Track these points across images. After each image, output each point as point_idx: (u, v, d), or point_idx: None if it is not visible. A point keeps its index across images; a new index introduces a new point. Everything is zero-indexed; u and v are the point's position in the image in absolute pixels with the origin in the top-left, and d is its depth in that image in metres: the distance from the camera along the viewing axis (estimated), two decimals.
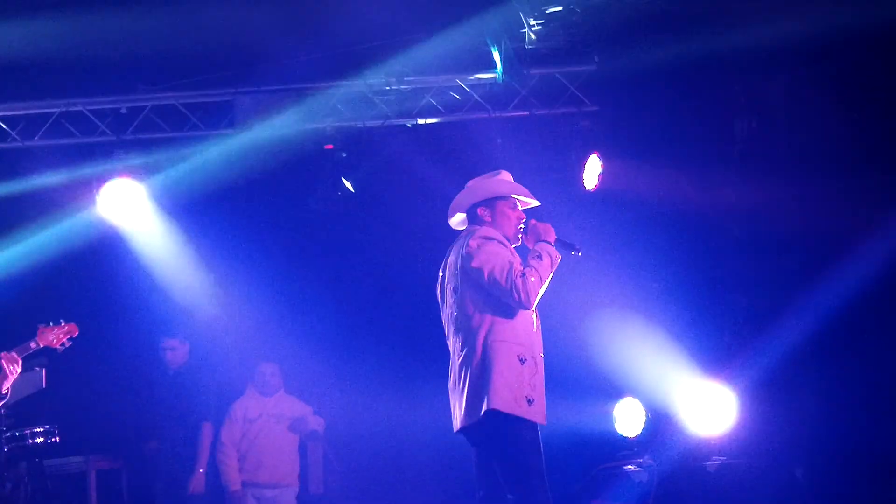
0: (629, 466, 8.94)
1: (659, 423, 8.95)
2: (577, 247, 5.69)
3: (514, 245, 5.74)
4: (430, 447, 8.94)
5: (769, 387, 8.83)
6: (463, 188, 5.93)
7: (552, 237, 5.64)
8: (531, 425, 5.51)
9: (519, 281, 5.39)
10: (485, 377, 5.46)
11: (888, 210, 8.08)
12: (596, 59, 8.60)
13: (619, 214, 8.93)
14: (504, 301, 5.47)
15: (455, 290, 5.64)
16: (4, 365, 6.29)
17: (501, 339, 5.49)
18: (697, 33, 8.07)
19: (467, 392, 5.52)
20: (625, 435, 9.15)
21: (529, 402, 5.46)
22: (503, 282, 5.41)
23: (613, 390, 9.00)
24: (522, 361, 5.49)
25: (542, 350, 5.67)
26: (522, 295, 5.40)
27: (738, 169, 8.68)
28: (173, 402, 8.90)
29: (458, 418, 5.63)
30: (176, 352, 9.02)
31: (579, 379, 8.66)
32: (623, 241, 9.10)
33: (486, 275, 5.45)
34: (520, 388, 5.45)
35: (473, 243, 5.53)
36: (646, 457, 8.93)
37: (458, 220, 5.90)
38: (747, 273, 9.01)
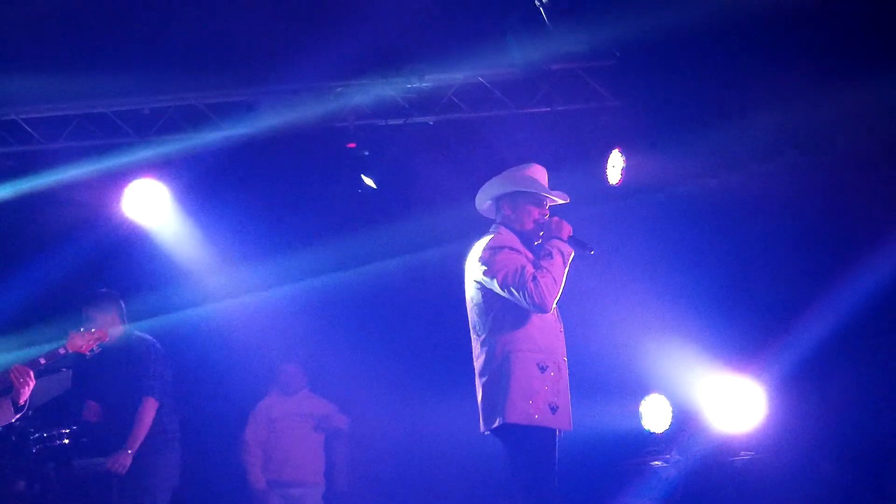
0: (656, 462, 8.91)
1: (686, 419, 8.91)
2: (591, 245, 5.62)
3: (535, 242, 5.68)
4: (456, 446, 8.91)
5: (797, 381, 8.76)
6: (487, 182, 5.89)
7: (565, 233, 5.57)
8: (549, 433, 5.47)
9: (531, 285, 5.33)
10: (501, 388, 5.42)
11: None
12: (617, 53, 8.54)
13: (644, 209, 8.88)
14: (521, 307, 5.43)
15: (472, 299, 5.62)
16: (14, 379, 6.19)
17: (518, 348, 5.44)
18: (718, 25, 8.03)
19: (482, 400, 5.52)
20: (652, 431, 9.12)
21: (553, 409, 5.43)
22: (516, 288, 5.36)
23: (640, 387, 8.96)
24: (543, 369, 5.44)
25: (564, 353, 5.61)
26: (537, 298, 5.34)
27: (764, 161, 8.62)
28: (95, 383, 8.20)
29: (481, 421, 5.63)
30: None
31: (606, 375, 8.64)
32: (648, 236, 9.06)
33: (499, 282, 5.41)
34: (542, 397, 5.40)
35: (485, 254, 5.49)
36: (673, 452, 8.90)
37: (485, 207, 5.86)
38: (775, 267, 8.95)
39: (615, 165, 8.65)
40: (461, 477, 9.46)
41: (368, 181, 9.07)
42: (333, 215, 9.47)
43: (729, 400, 8.67)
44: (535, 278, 5.34)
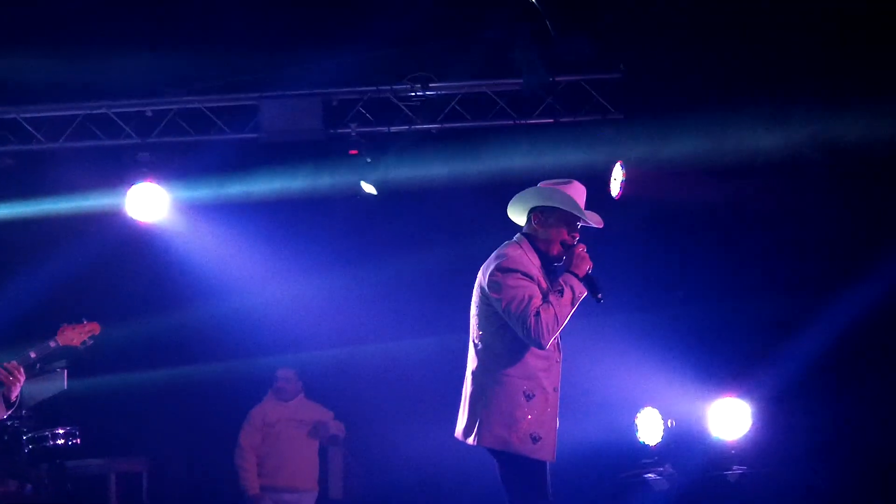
0: (650, 475, 8.94)
1: (680, 432, 8.94)
2: (601, 294, 5.37)
3: (554, 263, 5.49)
4: (453, 455, 8.91)
5: (791, 396, 8.82)
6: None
7: (583, 270, 5.35)
8: (532, 462, 5.34)
9: (532, 319, 5.17)
10: (483, 408, 5.33)
11: None
12: (622, 67, 8.58)
13: (643, 223, 8.91)
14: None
15: (476, 307, 5.49)
16: (3, 376, 6.08)
17: (508, 372, 5.30)
18: (723, 43, 8.08)
19: (465, 409, 5.42)
20: (646, 443, 9.16)
21: (535, 439, 5.29)
22: (518, 318, 5.21)
23: (636, 399, 8.99)
24: (529, 398, 5.30)
25: (557, 384, 5.44)
26: (533, 333, 5.19)
27: (764, 177, 8.68)
28: None
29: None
30: None
31: (602, 387, 8.67)
32: (647, 250, 9.11)
33: (503, 306, 5.27)
34: (523, 427, 5.28)
35: (498, 274, 5.32)
36: (667, 465, 8.93)
37: (515, 214, 5.63)
38: (771, 280, 9.01)
39: (616, 178, 8.68)
40: (458, 487, 9.46)
41: (369, 188, 9.07)
42: (336, 221, 9.47)
43: (723, 413, 8.73)
44: (538, 313, 5.19)
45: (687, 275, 9.23)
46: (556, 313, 5.22)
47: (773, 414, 8.74)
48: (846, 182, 8.35)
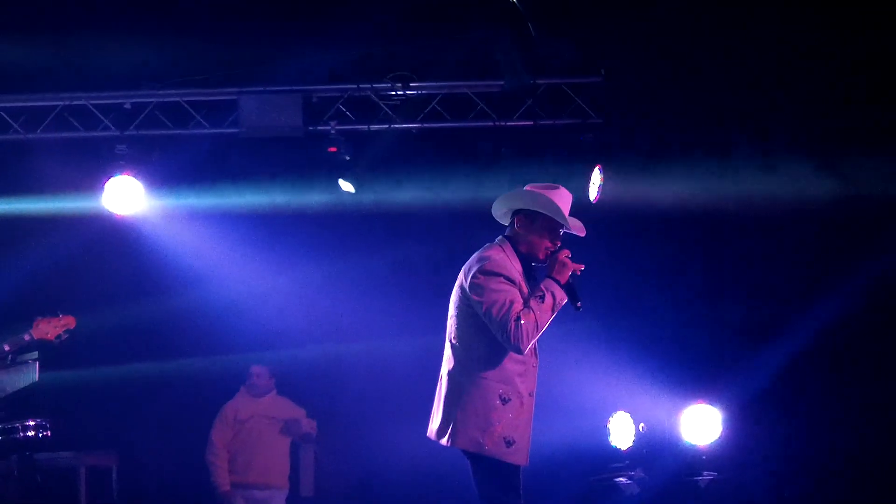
0: (621, 479, 8.97)
1: (652, 437, 8.98)
2: (581, 299, 5.37)
3: (534, 263, 5.49)
4: (425, 454, 8.91)
5: (762, 402, 8.89)
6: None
7: (565, 277, 5.34)
8: (505, 465, 5.34)
9: (512, 325, 5.17)
10: (458, 410, 5.33)
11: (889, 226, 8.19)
12: (602, 71, 8.61)
13: (620, 227, 8.94)
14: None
15: (456, 307, 5.48)
16: None
17: (485, 375, 5.30)
18: (703, 49, 8.13)
19: (439, 408, 5.42)
20: (618, 447, 9.20)
21: (508, 443, 5.29)
22: (498, 322, 5.21)
23: (610, 403, 9.03)
24: (505, 401, 5.30)
25: (533, 389, 5.43)
26: (513, 338, 5.19)
27: (740, 183, 8.73)
28: None
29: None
30: None
31: (576, 391, 8.69)
32: (623, 255, 9.14)
33: (484, 310, 5.26)
34: (497, 430, 5.27)
35: (480, 276, 5.31)
36: (637, 470, 8.97)
37: (500, 213, 5.62)
38: (746, 287, 9.07)
39: (595, 183, 8.71)
40: (429, 485, 9.47)
41: (347, 186, 9.07)
42: (312, 217, 9.45)
43: (695, 419, 8.77)
44: (518, 318, 5.18)
45: (661, 281, 9.28)
46: (536, 319, 5.22)
47: (744, 421, 8.80)
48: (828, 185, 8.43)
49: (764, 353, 8.73)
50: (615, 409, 9.25)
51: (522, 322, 5.19)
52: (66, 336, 6.86)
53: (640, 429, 9.00)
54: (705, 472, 8.71)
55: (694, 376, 8.87)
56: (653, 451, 8.95)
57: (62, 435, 8.72)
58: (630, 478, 8.92)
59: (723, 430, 8.75)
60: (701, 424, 8.75)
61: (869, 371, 8.52)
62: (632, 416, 9.21)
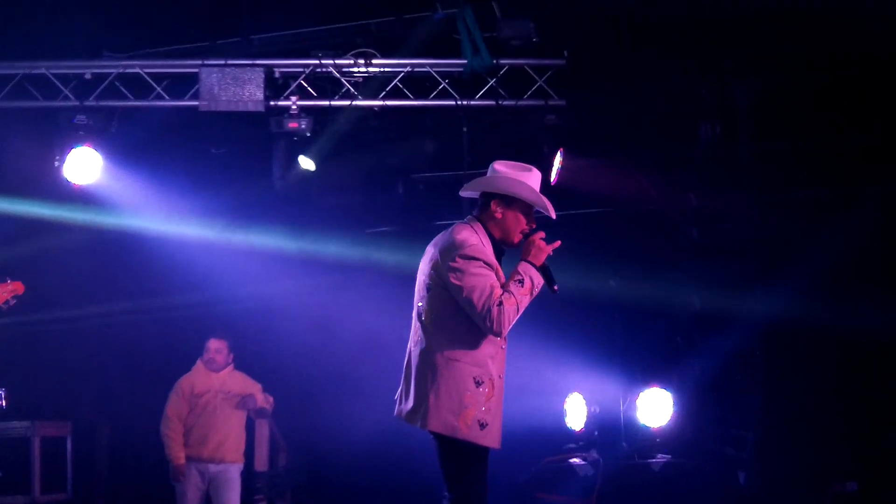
0: (575, 460, 9.04)
1: (606, 419, 9.05)
2: (556, 283, 5.35)
3: (507, 247, 5.45)
4: (385, 430, 8.94)
5: (715, 388, 8.97)
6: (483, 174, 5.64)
7: (540, 261, 5.32)
8: (477, 448, 5.30)
9: (495, 310, 5.13)
10: (430, 392, 5.27)
11: (837, 220, 8.26)
12: (565, 53, 8.61)
13: (578, 211, 8.97)
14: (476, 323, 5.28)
15: (427, 288, 5.39)
16: None
17: (458, 357, 5.26)
18: (667, 33, 8.14)
19: (410, 390, 5.40)
20: (573, 428, 9.27)
21: (482, 426, 5.25)
22: (479, 308, 5.16)
23: (566, 385, 9.08)
24: (478, 384, 5.26)
25: (502, 372, 5.40)
26: (495, 325, 5.15)
27: (699, 172, 8.77)
28: None
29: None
30: None
31: (535, 373, 8.72)
32: (580, 238, 9.16)
33: (464, 295, 5.20)
34: (471, 413, 5.24)
35: (460, 260, 5.24)
36: (592, 451, 9.03)
37: (468, 194, 5.56)
38: (701, 275, 9.12)
39: (556, 165, 8.72)
40: (389, 462, 9.49)
41: (307, 163, 9.04)
42: (273, 193, 9.42)
43: (649, 403, 8.85)
44: (500, 303, 5.14)
45: (621, 264, 9.31)
46: (517, 303, 5.18)
47: (699, 405, 8.87)
48: (784, 180, 8.48)
49: (721, 339, 8.79)
50: (572, 391, 9.33)
51: (505, 307, 5.15)
52: (15, 302, 6.78)
53: (593, 410, 9.08)
54: (659, 455, 8.77)
55: (652, 360, 8.93)
56: (608, 433, 9.02)
57: (15, 404, 8.71)
58: (584, 459, 8.99)
59: (673, 413, 8.84)
60: (654, 407, 8.83)
61: (818, 354, 8.59)
62: (584, 398, 9.29)
